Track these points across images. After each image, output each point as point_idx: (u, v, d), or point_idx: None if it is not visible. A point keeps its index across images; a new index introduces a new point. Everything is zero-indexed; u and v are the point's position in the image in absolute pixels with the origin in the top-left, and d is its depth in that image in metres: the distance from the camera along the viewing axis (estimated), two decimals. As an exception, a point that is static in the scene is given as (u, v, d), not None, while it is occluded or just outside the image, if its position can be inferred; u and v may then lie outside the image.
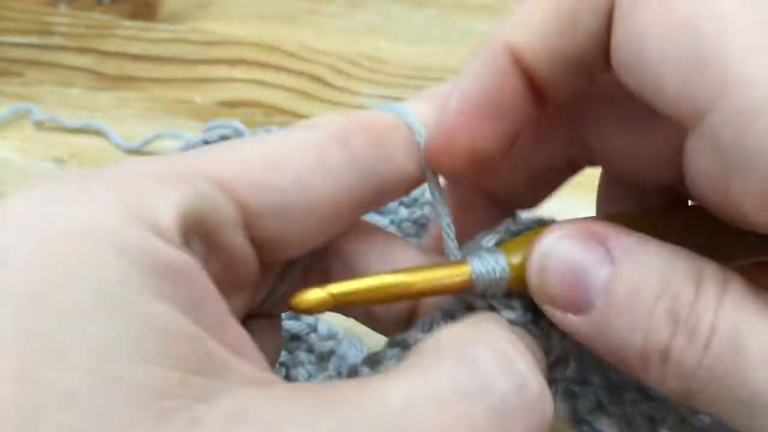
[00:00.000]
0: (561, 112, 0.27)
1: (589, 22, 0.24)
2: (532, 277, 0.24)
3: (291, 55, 0.57)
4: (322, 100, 0.54)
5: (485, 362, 0.21)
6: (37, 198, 0.20)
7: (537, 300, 0.24)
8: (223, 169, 0.23)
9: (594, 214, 0.41)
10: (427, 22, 0.59)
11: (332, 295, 0.24)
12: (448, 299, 0.25)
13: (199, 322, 0.20)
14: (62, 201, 0.20)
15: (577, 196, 0.44)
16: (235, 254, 0.24)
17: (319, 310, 0.24)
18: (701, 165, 0.22)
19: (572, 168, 0.30)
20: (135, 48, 0.59)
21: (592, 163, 0.29)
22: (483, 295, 0.25)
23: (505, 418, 0.21)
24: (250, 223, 0.24)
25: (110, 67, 0.58)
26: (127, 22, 0.61)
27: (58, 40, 0.60)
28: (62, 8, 0.62)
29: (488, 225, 0.27)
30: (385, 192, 0.27)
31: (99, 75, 0.57)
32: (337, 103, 0.54)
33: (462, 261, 0.25)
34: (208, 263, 0.22)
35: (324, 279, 0.26)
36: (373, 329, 0.29)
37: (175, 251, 0.20)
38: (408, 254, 0.28)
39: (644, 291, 0.22)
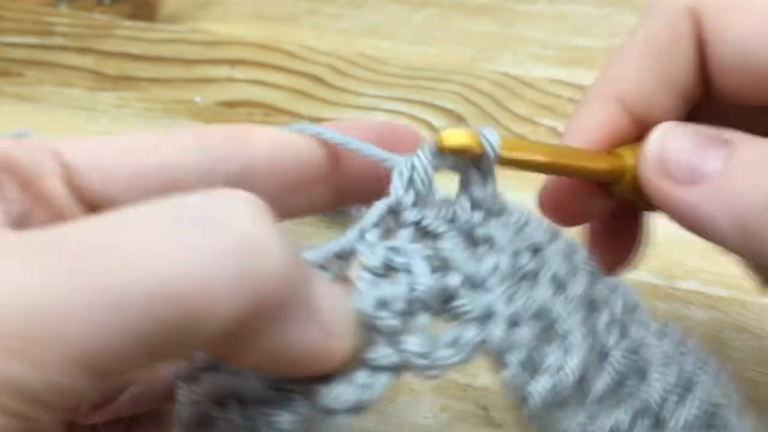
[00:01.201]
0: None
1: (682, 53, 0.27)
2: (653, 143, 0.26)
3: (291, 55, 0.57)
4: (322, 100, 0.54)
5: (194, 195, 0.20)
6: None
7: (649, 173, 0.26)
8: (51, 139, 0.25)
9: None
10: (427, 22, 0.59)
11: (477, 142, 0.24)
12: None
13: None
14: None
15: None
16: (60, 207, 0.24)
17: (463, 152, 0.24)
18: None
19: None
20: (135, 48, 0.59)
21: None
22: None
23: (194, 237, 0.19)
24: (73, 178, 0.25)
25: (110, 67, 0.58)
26: (128, 23, 0.61)
27: (58, 41, 0.60)
28: (62, 8, 0.62)
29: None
30: (252, 188, 0.26)
31: (99, 75, 0.57)
32: (337, 103, 0.54)
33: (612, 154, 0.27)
34: (29, 207, 0.24)
35: None
36: None
37: None
38: None
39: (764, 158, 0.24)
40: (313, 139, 0.27)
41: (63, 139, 0.25)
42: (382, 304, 0.22)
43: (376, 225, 0.24)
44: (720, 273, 0.40)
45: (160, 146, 0.25)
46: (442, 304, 0.23)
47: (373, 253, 0.23)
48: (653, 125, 0.27)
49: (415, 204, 0.24)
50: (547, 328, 0.23)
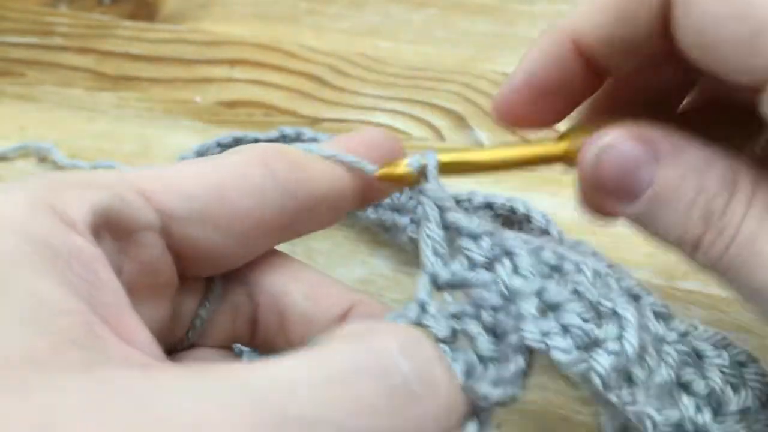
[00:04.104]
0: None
1: (646, 10, 0.26)
2: (587, 167, 0.27)
3: (291, 55, 0.57)
4: (322, 100, 0.54)
5: (388, 344, 0.20)
6: None
7: (587, 189, 0.28)
8: (144, 177, 0.24)
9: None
10: (427, 22, 0.59)
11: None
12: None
13: (91, 305, 0.20)
14: None
15: (575, 196, 0.44)
16: (152, 258, 0.24)
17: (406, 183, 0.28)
18: None
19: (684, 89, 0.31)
20: (135, 48, 0.59)
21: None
22: None
23: (405, 401, 0.19)
24: (170, 229, 0.24)
25: (110, 67, 0.58)
26: (128, 23, 0.61)
27: (58, 41, 0.60)
28: (62, 8, 0.62)
29: (587, 86, 0.29)
30: (309, 216, 0.27)
31: (99, 75, 0.57)
32: (337, 103, 0.54)
33: (561, 138, 0.29)
34: (122, 263, 0.23)
35: (252, 315, 0.29)
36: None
37: (77, 238, 0.21)
38: (337, 292, 0.29)
39: (684, 190, 0.26)
40: (343, 166, 0.28)
41: (151, 176, 0.25)
42: (468, 374, 0.23)
43: (429, 296, 0.25)
44: (720, 273, 0.40)
45: (248, 188, 0.25)
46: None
47: (440, 327, 0.24)
48: (602, 71, 0.28)
49: (444, 264, 0.26)
50: (594, 309, 0.24)
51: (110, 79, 0.57)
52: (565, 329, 0.24)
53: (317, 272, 0.30)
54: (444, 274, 0.26)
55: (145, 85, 0.56)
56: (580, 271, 0.26)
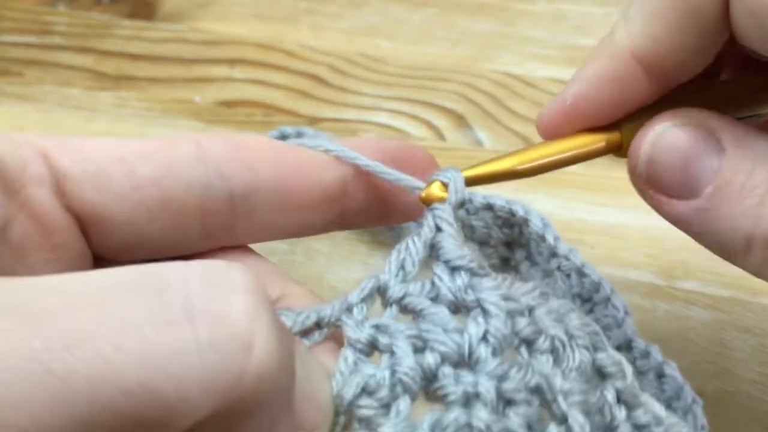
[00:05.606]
0: None
1: (709, 13, 0.25)
2: (640, 161, 0.25)
3: (291, 55, 0.57)
4: (322, 100, 0.54)
5: (187, 268, 0.18)
6: None
7: (639, 184, 0.25)
8: (45, 138, 0.23)
9: (590, 216, 0.41)
10: (427, 22, 0.59)
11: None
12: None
13: None
14: None
15: (575, 196, 0.44)
16: (45, 215, 0.23)
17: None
18: None
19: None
20: (135, 48, 0.59)
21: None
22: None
23: (175, 321, 0.17)
24: (63, 188, 0.23)
25: (110, 66, 0.58)
26: (127, 22, 0.61)
27: (57, 40, 0.60)
28: (61, 8, 0.62)
29: (647, 99, 0.27)
30: (262, 212, 0.25)
31: (99, 75, 0.57)
32: (337, 103, 0.54)
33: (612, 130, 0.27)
34: (12, 216, 0.22)
35: None
36: None
37: None
38: (272, 280, 0.26)
39: (754, 180, 0.23)
40: (330, 158, 0.26)
41: (54, 140, 0.24)
42: (366, 391, 0.21)
43: (363, 301, 0.23)
44: (721, 273, 0.40)
45: (156, 157, 0.24)
46: (426, 386, 0.21)
47: (359, 330, 0.22)
48: (668, 81, 0.26)
49: (402, 281, 0.24)
50: (547, 406, 0.21)
51: (109, 78, 0.57)
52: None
53: (261, 260, 0.27)
54: (396, 290, 0.23)
55: (145, 84, 0.56)
56: (552, 350, 0.22)
